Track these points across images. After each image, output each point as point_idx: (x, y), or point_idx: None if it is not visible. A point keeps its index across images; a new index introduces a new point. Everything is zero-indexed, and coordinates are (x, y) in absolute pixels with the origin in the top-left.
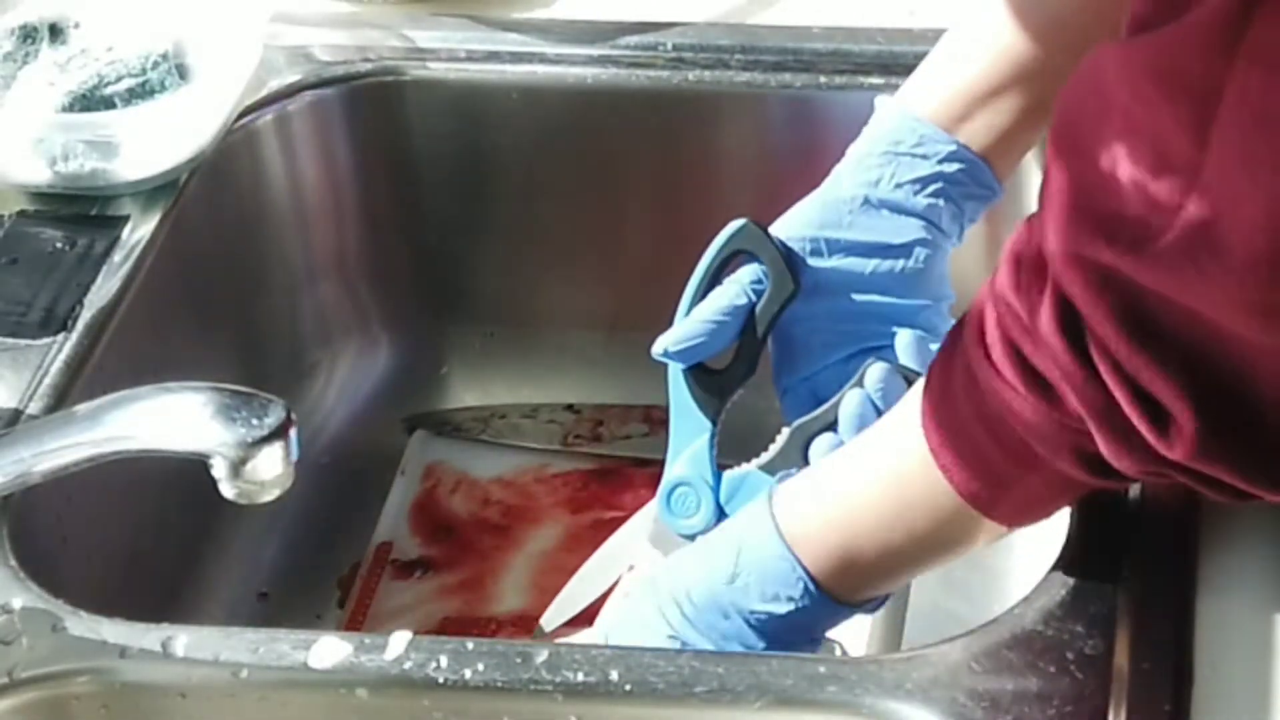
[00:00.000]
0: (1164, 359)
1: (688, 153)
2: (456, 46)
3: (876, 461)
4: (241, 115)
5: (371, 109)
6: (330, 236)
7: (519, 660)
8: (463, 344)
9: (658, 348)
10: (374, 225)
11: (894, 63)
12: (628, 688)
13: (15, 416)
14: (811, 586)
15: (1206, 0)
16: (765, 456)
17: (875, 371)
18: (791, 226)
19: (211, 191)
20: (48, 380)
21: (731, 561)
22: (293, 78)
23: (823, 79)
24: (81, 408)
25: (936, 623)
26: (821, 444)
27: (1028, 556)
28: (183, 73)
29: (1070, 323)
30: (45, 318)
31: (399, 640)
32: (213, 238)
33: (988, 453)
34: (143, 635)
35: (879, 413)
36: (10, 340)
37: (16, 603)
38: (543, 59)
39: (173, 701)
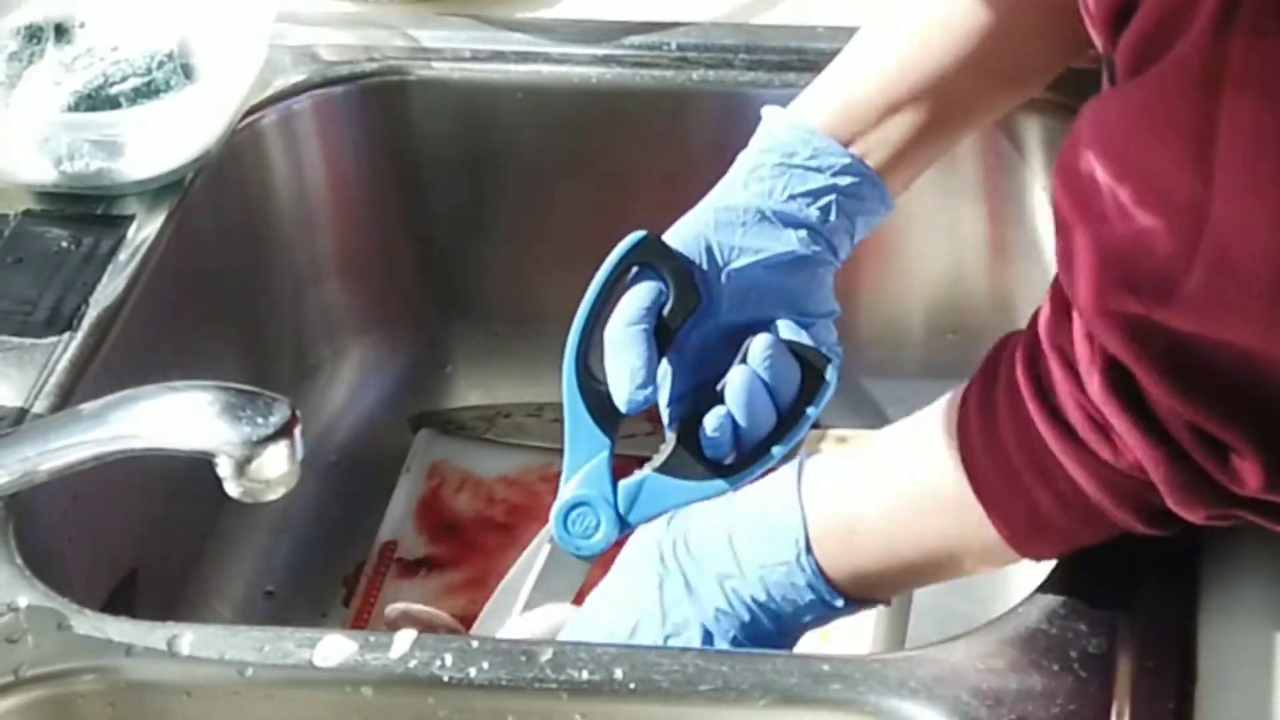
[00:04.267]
0: (1216, 399)
1: (692, 152)
2: (461, 46)
3: (909, 474)
4: (246, 115)
5: (376, 109)
6: (335, 236)
7: (523, 659)
8: (468, 343)
9: (631, 403)
10: (379, 224)
11: None
12: (632, 686)
13: (21, 415)
14: (810, 569)
15: (1183, 37)
16: (658, 459)
17: (759, 343)
18: (685, 236)
19: (216, 191)
20: (53, 379)
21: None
22: (298, 77)
23: None
24: (87, 406)
25: (940, 621)
26: (711, 420)
27: None
28: (188, 72)
29: (1121, 379)
30: (51, 317)
31: (404, 639)
32: (218, 237)
33: (1038, 499)
34: (148, 633)
35: (766, 387)
36: (16, 339)
37: (22, 601)
38: (547, 59)
39: (178, 700)
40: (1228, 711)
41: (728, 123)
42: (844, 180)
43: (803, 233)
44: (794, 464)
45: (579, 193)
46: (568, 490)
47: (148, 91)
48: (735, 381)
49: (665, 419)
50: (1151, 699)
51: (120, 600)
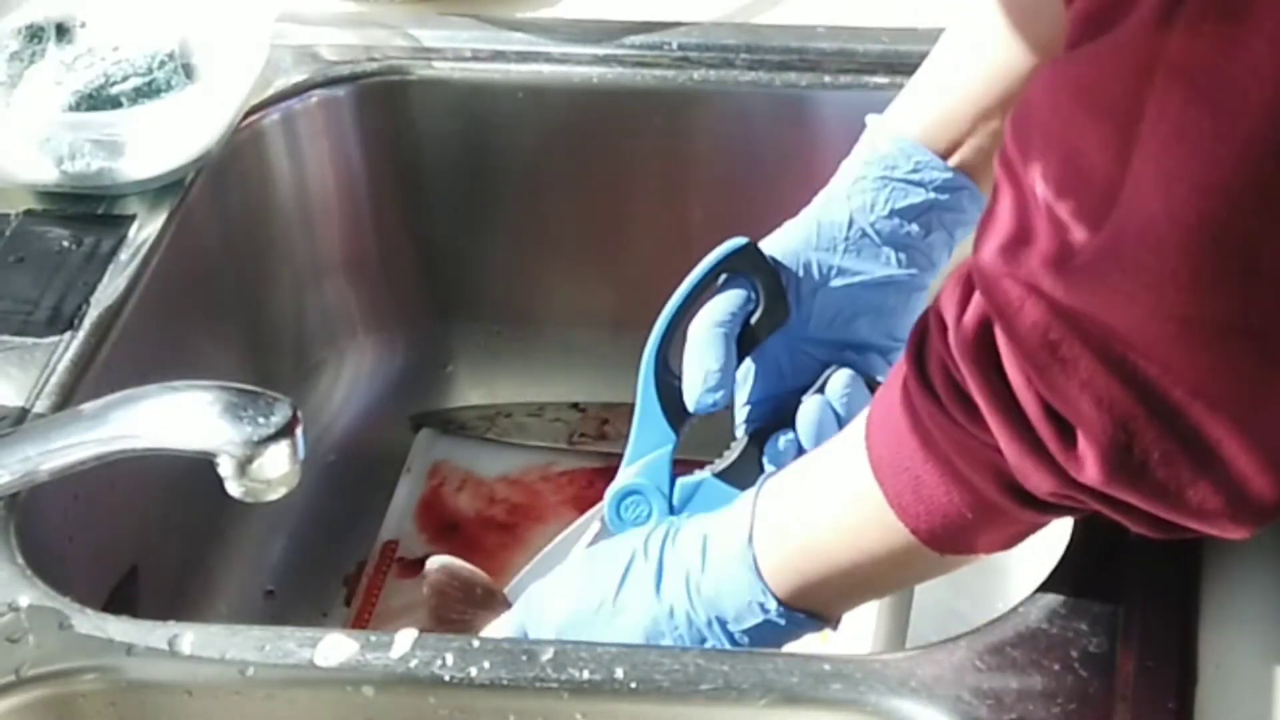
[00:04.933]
0: (1079, 380)
1: (693, 152)
2: (462, 46)
3: (829, 481)
4: (248, 114)
5: (377, 108)
6: (336, 235)
7: (525, 658)
8: (468, 342)
9: (700, 403)
10: (380, 224)
11: (898, 62)
12: (633, 685)
13: (22, 415)
14: (771, 602)
15: (1125, 20)
16: (720, 464)
17: (839, 379)
18: (784, 246)
19: (218, 191)
20: (54, 379)
21: (699, 550)
22: (299, 77)
23: (827, 78)
24: (88, 406)
25: (941, 621)
26: (778, 446)
27: (1032, 554)
28: (189, 72)
29: (986, 341)
30: (52, 316)
31: (405, 638)
32: (219, 237)
33: (918, 470)
34: (149, 633)
35: (839, 420)
36: (17, 339)
37: (23, 601)
38: (548, 58)
39: (179, 699)
40: (1228, 711)
41: (728, 122)
42: (944, 195)
43: (902, 254)
44: (766, 473)
45: (580, 192)
46: (627, 475)
47: (149, 91)
48: (808, 411)
49: (737, 419)
50: (1152, 699)
51: (121, 597)
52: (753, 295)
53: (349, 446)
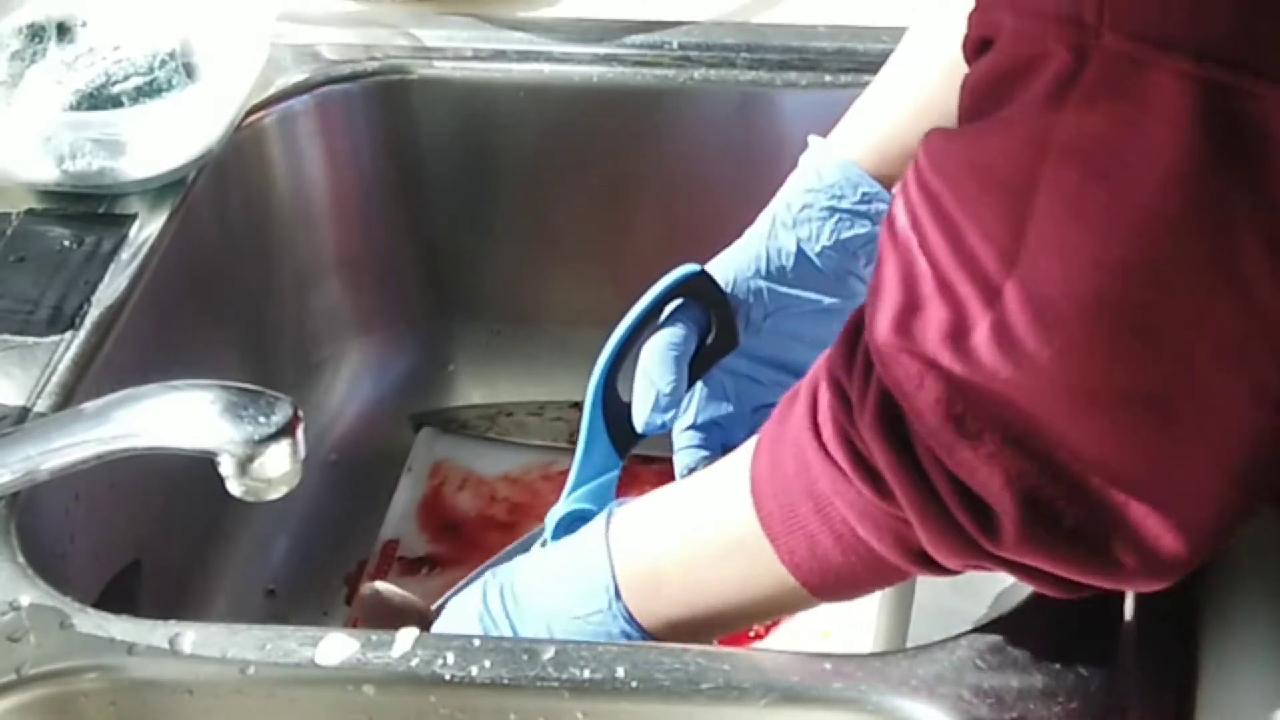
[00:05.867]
0: (984, 454)
1: (694, 151)
2: (463, 45)
3: (708, 528)
4: (248, 114)
5: (378, 108)
6: (337, 235)
7: (525, 657)
8: (469, 341)
9: (649, 424)
10: (380, 223)
11: None
12: (634, 684)
13: (23, 414)
14: (622, 616)
15: (1016, 99)
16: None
17: None
18: (734, 272)
19: (218, 190)
20: (55, 378)
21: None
22: (300, 76)
23: (828, 77)
24: (89, 405)
25: (942, 620)
26: None
27: None
28: (190, 71)
29: (893, 416)
30: (53, 315)
31: (406, 637)
32: (220, 236)
33: (814, 530)
34: (150, 632)
35: None
36: (18, 338)
37: (24, 600)
38: (549, 58)
39: (180, 698)
40: (1229, 710)
41: (729, 122)
42: None
43: (846, 281)
44: (607, 510)
45: (580, 191)
46: (572, 500)
47: (150, 90)
48: None
49: (676, 445)
50: (1152, 698)
51: (121, 588)
52: (704, 322)
53: (350, 446)
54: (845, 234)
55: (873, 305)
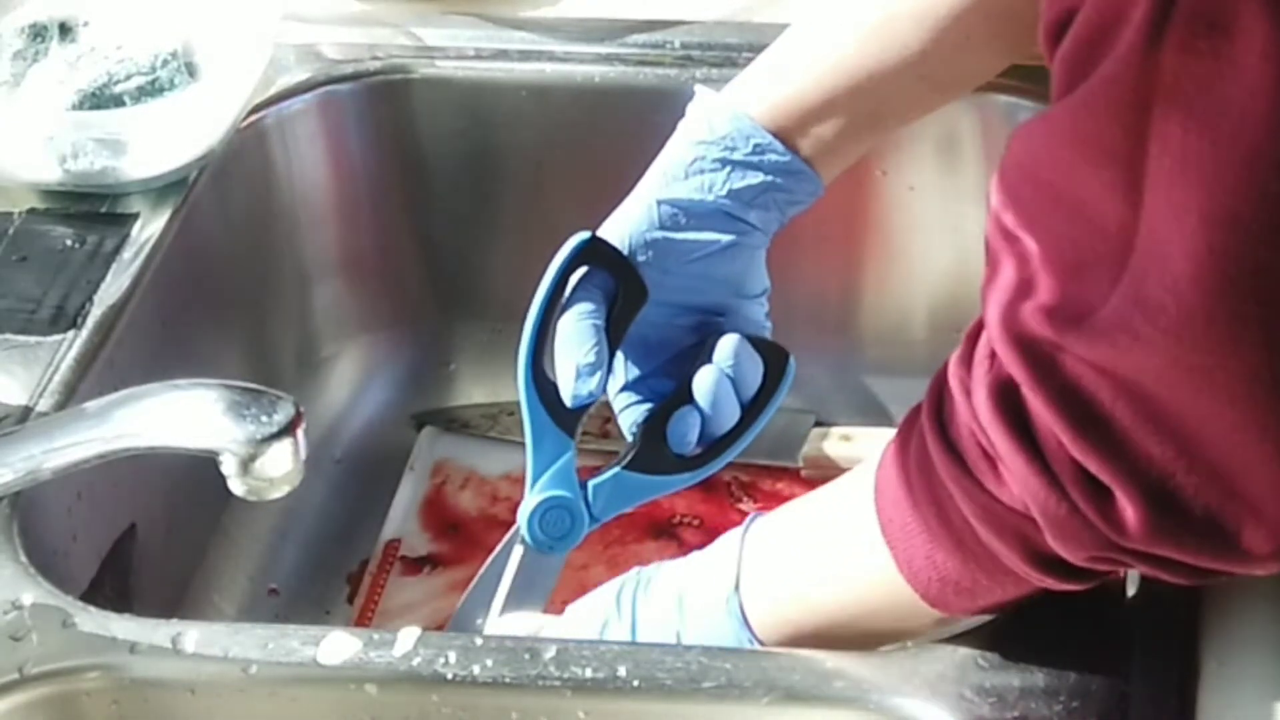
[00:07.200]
0: (1107, 440)
1: None
2: (465, 45)
3: (830, 535)
4: (251, 113)
5: (380, 107)
6: (338, 234)
7: (527, 656)
8: (471, 341)
9: (576, 396)
10: (382, 223)
11: None
12: (636, 684)
13: (25, 413)
14: (738, 618)
15: (1114, 49)
16: (626, 455)
17: (725, 344)
18: (629, 230)
19: (221, 189)
20: (58, 377)
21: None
22: (302, 76)
23: None
24: (91, 405)
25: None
26: (681, 420)
27: None
28: (192, 71)
29: (1011, 405)
30: (55, 315)
31: (408, 636)
32: (222, 235)
33: (933, 536)
34: (152, 631)
35: (733, 384)
36: (20, 337)
37: (27, 599)
38: (551, 57)
39: (182, 697)
40: (1230, 709)
41: None
42: (781, 177)
43: (738, 224)
44: (749, 517)
45: (582, 191)
46: (537, 492)
47: (152, 90)
48: (703, 381)
49: (615, 408)
50: (1154, 697)
51: (118, 556)
52: (610, 285)
53: (352, 445)
54: (737, 184)
55: (992, 302)
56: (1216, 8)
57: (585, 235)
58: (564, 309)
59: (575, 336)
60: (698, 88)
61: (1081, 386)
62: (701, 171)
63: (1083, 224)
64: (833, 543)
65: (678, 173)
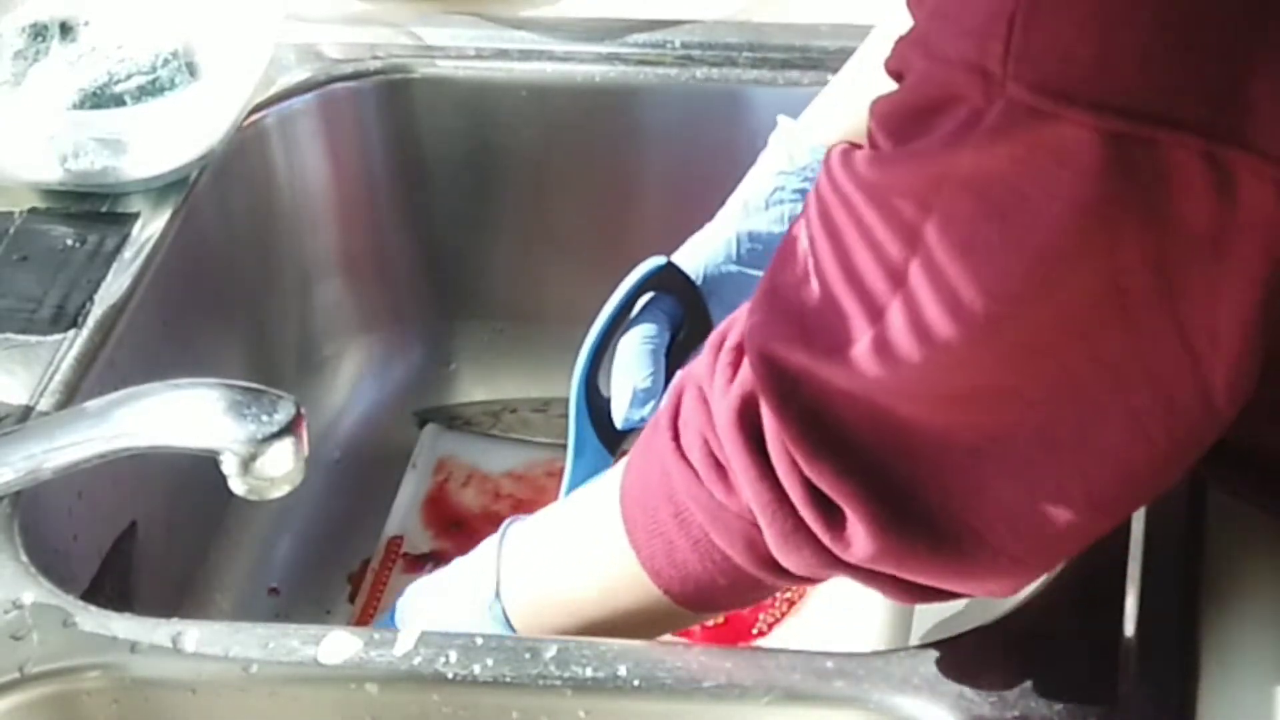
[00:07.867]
0: (845, 463)
1: (696, 150)
2: (466, 44)
3: (582, 538)
4: (251, 113)
5: (381, 107)
6: (340, 233)
7: (528, 655)
8: (472, 339)
9: (628, 419)
10: (383, 222)
11: None
12: (636, 683)
13: (26, 413)
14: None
15: (926, 134)
16: None
17: None
18: (706, 260)
19: (221, 189)
20: (58, 377)
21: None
22: (302, 75)
23: (830, 76)
24: (92, 404)
25: (944, 618)
26: None
27: None
28: (193, 70)
29: (751, 418)
30: (56, 314)
31: (409, 635)
32: (223, 235)
33: (672, 537)
34: (153, 630)
35: None
36: (21, 337)
37: (27, 598)
38: (551, 57)
39: (183, 696)
40: (1230, 709)
41: (732, 121)
42: None
43: None
44: (504, 524)
45: (582, 190)
46: None
47: (152, 89)
48: None
49: None
50: (1153, 697)
51: (119, 555)
52: (677, 314)
53: (353, 443)
54: None
55: (756, 309)
56: (1029, 121)
57: (660, 261)
58: (627, 329)
59: (636, 360)
60: (780, 118)
61: (828, 411)
62: (781, 202)
63: (853, 261)
64: (586, 545)
65: (758, 203)
